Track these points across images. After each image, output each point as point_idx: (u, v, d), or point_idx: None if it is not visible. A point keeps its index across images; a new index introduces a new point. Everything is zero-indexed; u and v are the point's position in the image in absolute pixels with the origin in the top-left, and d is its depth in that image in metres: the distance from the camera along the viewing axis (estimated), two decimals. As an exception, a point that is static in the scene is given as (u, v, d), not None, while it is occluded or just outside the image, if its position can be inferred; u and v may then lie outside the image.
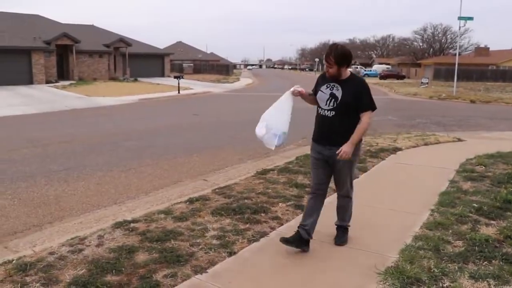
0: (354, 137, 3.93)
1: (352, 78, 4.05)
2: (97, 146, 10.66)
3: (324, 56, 4.03)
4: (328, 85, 4.05)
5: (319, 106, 4.13)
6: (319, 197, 4.26)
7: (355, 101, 3.95)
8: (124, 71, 44.11)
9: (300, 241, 4.13)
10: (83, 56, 40.01)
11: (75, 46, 38.29)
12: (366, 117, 3.99)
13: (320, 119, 4.12)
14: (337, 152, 3.91)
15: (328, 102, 4.01)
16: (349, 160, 4.01)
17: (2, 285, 3.50)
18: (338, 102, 3.97)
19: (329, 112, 4.01)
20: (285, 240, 4.14)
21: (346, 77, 4.02)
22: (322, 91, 4.08)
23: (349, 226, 4.47)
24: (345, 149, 3.90)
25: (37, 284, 3.50)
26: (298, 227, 4.22)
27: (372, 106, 4.03)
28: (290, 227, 4.42)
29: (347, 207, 4.40)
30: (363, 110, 3.98)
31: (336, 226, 4.47)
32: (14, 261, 3.96)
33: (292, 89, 4.13)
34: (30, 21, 39.51)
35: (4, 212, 5.93)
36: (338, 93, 3.97)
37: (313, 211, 4.23)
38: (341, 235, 4.41)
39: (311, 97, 4.24)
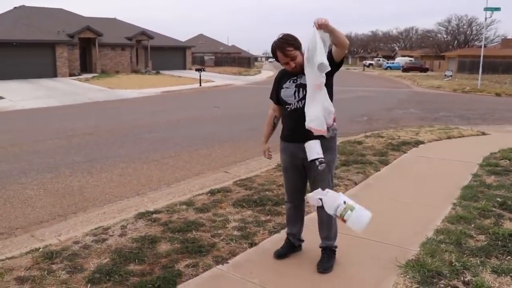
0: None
1: None
2: (119, 138, 10.81)
3: (276, 55, 3.47)
4: (291, 80, 3.57)
5: (286, 105, 3.61)
6: (297, 206, 3.91)
7: (326, 79, 3.35)
8: (146, 63, 44.46)
9: (293, 248, 3.96)
10: (105, 49, 40.44)
11: (97, 39, 38.72)
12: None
13: (291, 114, 3.59)
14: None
15: (296, 94, 3.52)
16: (327, 163, 3.47)
17: (30, 272, 3.61)
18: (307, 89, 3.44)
19: (300, 102, 3.50)
20: (278, 256, 3.87)
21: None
22: (285, 87, 3.60)
23: (335, 247, 3.79)
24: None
25: (63, 272, 3.59)
26: (287, 235, 4.00)
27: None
28: (311, 220, 4.42)
29: (330, 221, 3.71)
30: (334, 52, 3.35)
31: (320, 248, 3.81)
32: (40, 249, 4.07)
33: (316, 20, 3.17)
34: (54, 15, 40.10)
35: (31, 202, 6.09)
36: (305, 81, 3.42)
37: (296, 221, 3.94)
38: (326, 260, 3.71)
39: (272, 127, 3.85)
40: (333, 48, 3.33)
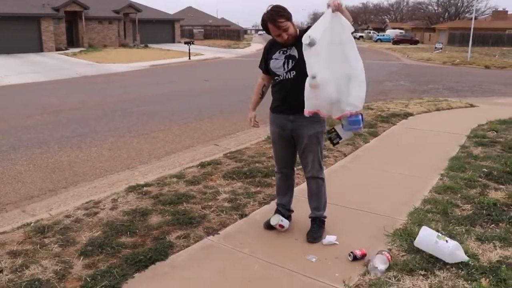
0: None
1: (302, 31, 3.34)
2: (108, 112, 10.75)
3: (267, 26, 3.38)
4: (280, 50, 3.50)
5: (275, 76, 3.58)
6: (287, 175, 3.94)
7: None
8: (134, 37, 43.84)
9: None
10: (92, 23, 39.76)
11: (84, 12, 38.02)
12: None
13: (280, 85, 3.57)
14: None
15: (285, 65, 3.48)
16: (316, 134, 3.57)
17: (22, 246, 3.63)
18: (297, 59, 3.42)
19: (289, 73, 3.47)
20: (268, 226, 3.90)
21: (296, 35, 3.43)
22: (274, 58, 3.53)
23: (325, 217, 3.85)
24: None
25: (55, 245, 3.62)
26: (277, 205, 4.04)
27: None
28: (301, 191, 4.47)
29: (319, 192, 3.78)
30: None
31: (310, 219, 3.87)
32: (32, 224, 4.09)
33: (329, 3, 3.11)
34: (38, -13, 39.17)
35: (21, 177, 6.07)
36: (294, 52, 3.43)
37: (286, 191, 3.98)
38: (316, 230, 3.76)
39: (260, 96, 3.82)
40: None
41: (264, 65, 3.69)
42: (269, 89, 3.82)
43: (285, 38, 3.38)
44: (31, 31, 33.29)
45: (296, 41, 3.41)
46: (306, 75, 3.34)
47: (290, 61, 3.46)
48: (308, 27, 3.35)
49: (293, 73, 3.46)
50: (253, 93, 3.90)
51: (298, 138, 3.61)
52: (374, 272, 3.16)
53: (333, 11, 3.10)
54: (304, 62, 3.31)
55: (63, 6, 36.14)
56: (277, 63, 3.52)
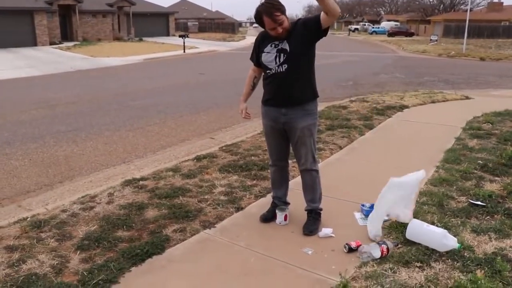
0: None
1: (292, 25, 3.42)
2: (104, 106, 10.71)
3: (262, 19, 3.30)
4: (272, 44, 3.46)
5: (267, 69, 3.54)
6: (282, 168, 3.95)
7: (308, 44, 3.43)
8: (129, 31, 43.62)
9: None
10: (86, 16, 39.49)
11: (77, 6, 37.74)
12: None
13: (272, 78, 3.53)
14: None
15: (277, 59, 3.43)
16: (308, 126, 3.56)
17: (19, 240, 3.62)
18: (288, 53, 3.39)
19: (280, 67, 3.44)
20: (264, 219, 3.92)
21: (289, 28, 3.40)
22: (266, 51, 3.49)
23: (320, 210, 3.85)
24: None
25: (52, 240, 3.62)
26: (273, 198, 4.05)
27: None
28: (296, 183, 4.48)
29: (314, 184, 3.77)
30: (319, 16, 3.29)
31: (306, 212, 3.86)
32: (28, 219, 4.08)
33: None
34: (31, -20, 38.83)
35: (16, 172, 6.05)
36: (286, 46, 3.40)
37: (281, 184, 4.00)
38: (312, 222, 3.76)
39: (251, 87, 3.85)
40: (322, 14, 3.27)
41: (256, 58, 3.66)
42: (261, 81, 3.80)
43: (279, 32, 3.33)
44: (24, 25, 33.04)
45: (289, 34, 3.38)
46: (298, 68, 3.42)
47: (282, 54, 3.42)
48: (299, 19, 3.44)
49: (284, 66, 3.43)
50: (244, 84, 3.89)
51: (291, 131, 3.60)
52: (364, 256, 3.20)
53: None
54: (295, 55, 3.37)
55: (56, 0, 35.84)
56: (268, 56, 3.48)
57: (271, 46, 3.47)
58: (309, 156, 3.67)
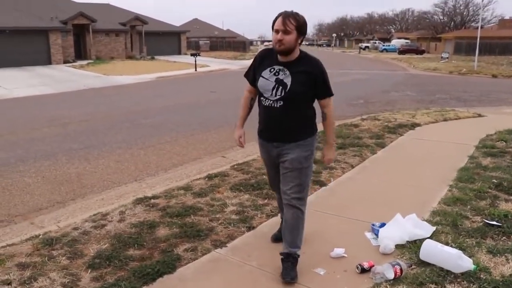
0: (331, 137, 3.42)
1: (303, 57, 3.22)
2: (116, 124, 10.79)
3: (277, 18, 3.14)
4: (272, 69, 3.22)
5: (262, 95, 3.30)
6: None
7: (310, 89, 3.20)
8: (141, 49, 44.14)
9: None
10: (99, 35, 40.07)
11: (91, 25, 38.34)
12: (329, 108, 3.31)
13: (265, 111, 3.30)
14: (322, 161, 3.53)
15: (274, 91, 3.19)
16: (298, 158, 3.27)
17: (31, 258, 3.63)
18: (287, 91, 3.15)
19: (275, 102, 3.19)
20: (275, 239, 3.86)
21: (296, 56, 3.19)
22: (264, 77, 3.24)
23: (298, 255, 3.38)
24: (329, 156, 3.48)
25: (63, 258, 3.62)
26: (281, 219, 3.82)
27: (331, 91, 3.29)
28: (309, 203, 4.43)
29: (298, 224, 3.34)
30: (322, 97, 3.29)
31: (281, 257, 3.40)
32: (40, 236, 4.10)
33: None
34: (46, 1, 39.60)
35: (29, 189, 6.10)
36: (287, 79, 3.16)
37: None
38: (290, 268, 3.31)
39: (248, 109, 3.64)
40: (321, 109, 3.33)
41: (252, 77, 3.42)
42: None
43: (279, 39, 3.07)
44: (39, 44, 33.59)
45: (291, 64, 3.19)
46: (294, 105, 3.20)
47: (281, 88, 3.18)
48: (315, 60, 3.24)
49: (280, 103, 3.18)
50: (240, 106, 3.66)
51: (283, 163, 3.34)
52: (377, 277, 3.15)
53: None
54: (294, 91, 3.15)
55: (71, 19, 36.50)
56: (266, 84, 3.23)
57: (270, 71, 3.24)
58: (295, 188, 3.27)
